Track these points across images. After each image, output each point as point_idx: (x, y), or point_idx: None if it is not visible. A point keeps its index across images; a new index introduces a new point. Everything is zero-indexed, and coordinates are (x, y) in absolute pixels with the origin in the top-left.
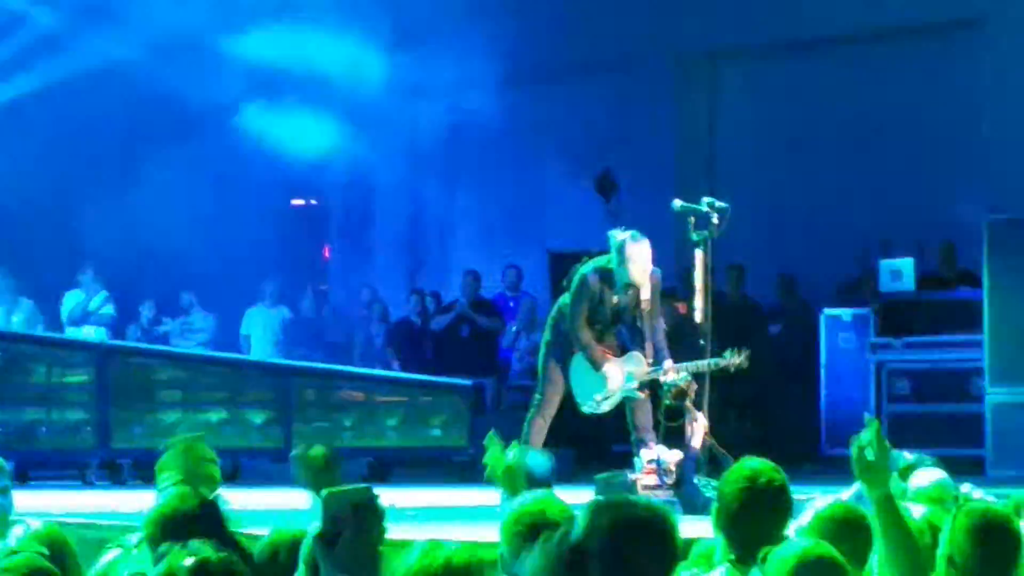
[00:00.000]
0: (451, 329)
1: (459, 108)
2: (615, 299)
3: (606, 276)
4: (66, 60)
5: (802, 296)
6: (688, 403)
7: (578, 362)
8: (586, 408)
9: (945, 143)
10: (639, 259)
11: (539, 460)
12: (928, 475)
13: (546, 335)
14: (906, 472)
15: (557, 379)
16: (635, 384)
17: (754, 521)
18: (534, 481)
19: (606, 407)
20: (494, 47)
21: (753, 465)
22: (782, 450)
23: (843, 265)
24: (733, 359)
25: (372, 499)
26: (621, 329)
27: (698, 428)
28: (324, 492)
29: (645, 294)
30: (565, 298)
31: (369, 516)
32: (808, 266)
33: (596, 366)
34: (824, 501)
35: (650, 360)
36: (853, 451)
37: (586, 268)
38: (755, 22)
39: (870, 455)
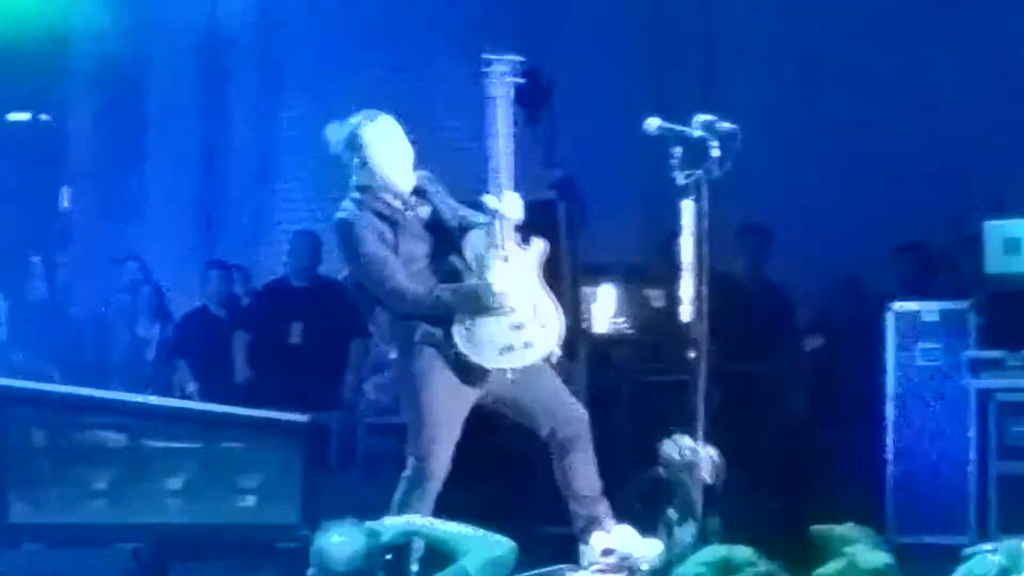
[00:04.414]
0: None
1: None
2: (409, 216)
3: (365, 198)
4: None
5: (857, 282)
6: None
7: (460, 334)
8: (504, 363)
9: None
10: (386, 142)
11: (340, 540)
12: None
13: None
14: None
15: (437, 410)
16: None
17: None
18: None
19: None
20: None
21: None
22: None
23: (920, 232)
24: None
25: None
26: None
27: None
28: None
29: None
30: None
31: None
32: (863, 235)
33: (469, 297)
34: None
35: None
36: None
37: (337, 217)
38: None
39: None
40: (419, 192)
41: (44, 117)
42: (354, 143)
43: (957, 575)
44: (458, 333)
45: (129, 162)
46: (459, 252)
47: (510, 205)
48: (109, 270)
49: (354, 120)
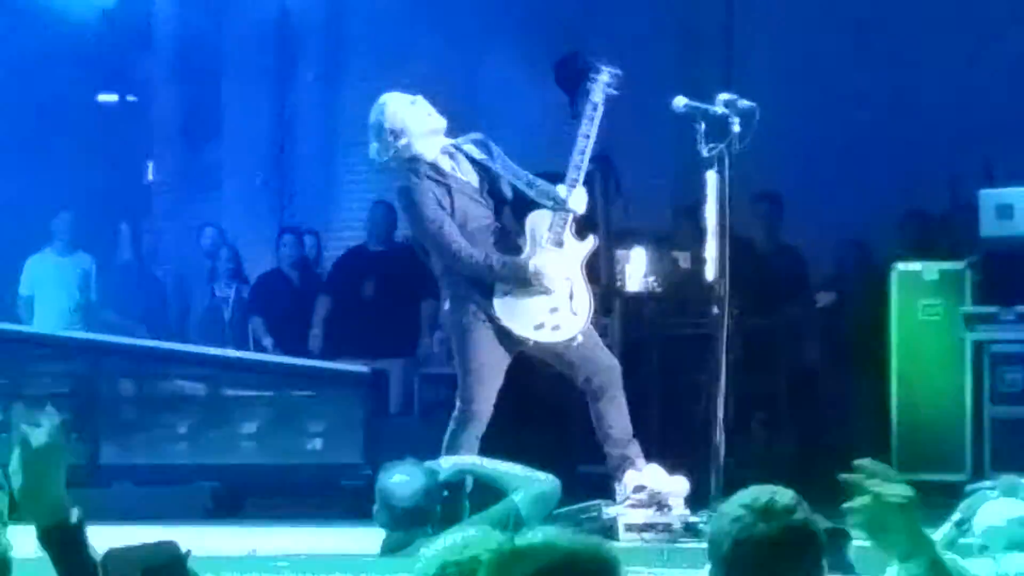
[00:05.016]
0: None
1: None
2: (461, 180)
3: (421, 167)
4: None
5: (864, 244)
6: None
7: (500, 299)
8: (531, 335)
9: None
10: (412, 113)
11: (402, 478)
12: (1006, 508)
13: (445, 305)
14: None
15: (480, 358)
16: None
17: None
18: (396, 511)
19: (572, 325)
20: None
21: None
22: (832, 474)
23: (922, 200)
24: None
25: (175, 561)
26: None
27: None
28: (106, 551)
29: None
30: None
31: None
32: (869, 201)
33: (517, 272)
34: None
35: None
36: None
37: (398, 186)
38: None
39: (889, 512)
40: (471, 156)
41: (131, 98)
42: (379, 121)
43: (960, 509)
44: (497, 298)
45: (207, 137)
46: (517, 221)
47: (577, 199)
48: (190, 236)
49: (380, 100)
